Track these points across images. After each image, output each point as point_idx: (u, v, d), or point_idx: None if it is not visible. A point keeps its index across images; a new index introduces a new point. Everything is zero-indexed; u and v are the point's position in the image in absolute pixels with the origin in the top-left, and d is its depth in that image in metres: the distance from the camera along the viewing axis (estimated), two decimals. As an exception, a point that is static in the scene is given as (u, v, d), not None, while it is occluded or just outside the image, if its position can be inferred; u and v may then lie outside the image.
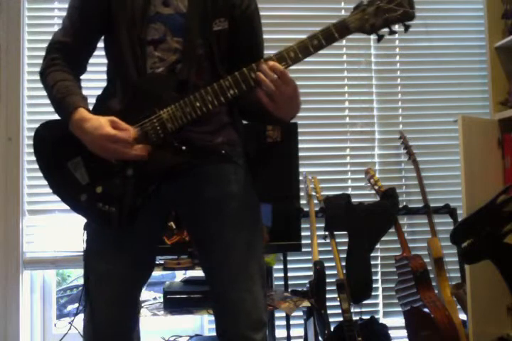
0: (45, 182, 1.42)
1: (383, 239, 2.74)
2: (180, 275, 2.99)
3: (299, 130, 2.60)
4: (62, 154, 1.38)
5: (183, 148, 1.32)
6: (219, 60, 1.42)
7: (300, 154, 2.60)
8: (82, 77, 1.49)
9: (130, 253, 1.40)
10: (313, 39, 1.24)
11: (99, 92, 1.49)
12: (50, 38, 3.02)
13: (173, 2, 1.39)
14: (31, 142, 2.99)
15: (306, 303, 2.42)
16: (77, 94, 1.36)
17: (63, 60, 1.42)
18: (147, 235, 1.43)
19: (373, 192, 2.79)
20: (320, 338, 2.48)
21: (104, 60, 1.50)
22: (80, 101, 1.34)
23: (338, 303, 2.54)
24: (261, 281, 1.43)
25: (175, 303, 2.37)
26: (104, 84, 1.50)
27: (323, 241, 2.69)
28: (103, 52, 1.50)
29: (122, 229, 1.34)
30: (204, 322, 2.84)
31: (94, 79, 1.73)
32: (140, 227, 1.36)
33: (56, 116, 1.42)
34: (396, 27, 1.26)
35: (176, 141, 1.31)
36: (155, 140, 1.30)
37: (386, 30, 1.26)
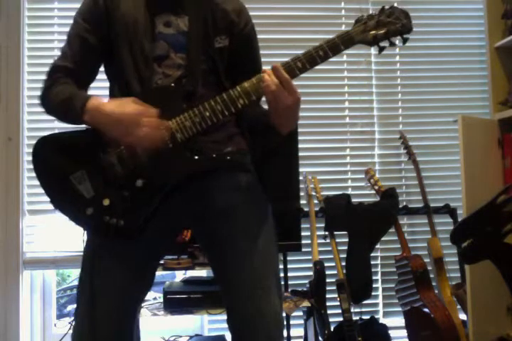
0: (41, 187, 1.40)
1: (383, 239, 2.74)
2: (180, 276, 2.99)
3: (299, 130, 2.60)
4: (63, 168, 1.36)
5: (196, 157, 1.32)
6: (223, 75, 1.44)
7: (300, 154, 2.60)
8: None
9: (133, 265, 1.38)
10: (319, 50, 1.27)
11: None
12: (50, 37, 3.04)
13: (175, 22, 1.41)
14: (31, 142, 3.01)
15: (306, 303, 2.42)
16: (84, 94, 1.37)
17: (66, 78, 1.41)
18: (153, 246, 1.40)
19: (373, 192, 2.79)
20: (320, 338, 2.48)
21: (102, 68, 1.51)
22: (89, 96, 1.34)
23: (338, 303, 2.54)
24: (278, 291, 1.39)
25: (175, 303, 2.37)
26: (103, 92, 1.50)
27: (323, 241, 2.69)
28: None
29: (128, 241, 1.32)
30: (204, 322, 2.84)
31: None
32: (147, 238, 1.34)
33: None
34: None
35: (187, 150, 1.32)
36: (164, 150, 1.30)
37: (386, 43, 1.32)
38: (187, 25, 1.41)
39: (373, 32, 1.28)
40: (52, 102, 1.39)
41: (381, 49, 1.31)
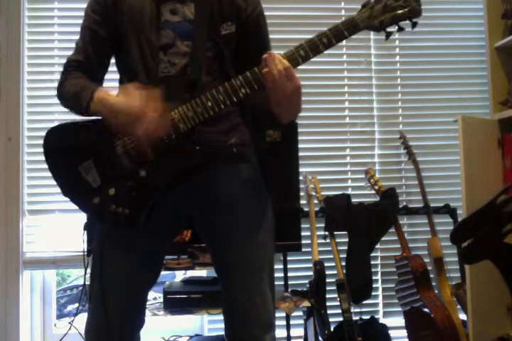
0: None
1: (383, 239, 2.75)
2: (180, 275, 2.99)
3: (299, 130, 2.60)
4: (72, 158, 1.38)
5: (197, 148, 1.33)
6: (228, 62, 1.44)
7: (300, 154, 2.59)
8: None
9: (140, 254, 1.41)
10: (322, 37, 1.25)
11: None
12: (50, 37, 3.03)
13: (181, 10, 1.41)
14: (31, 142, 3.01)
15: (306, 303, 2.42)
16: (94, 85, 1.38)
17: (78, 72, 1.44)
18: (159, 236, 1.43)
19: (373, 192, 2.79)
20: (320, 338, 2.48)
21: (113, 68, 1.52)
22: (98, 87, 1.36)
23: (338, 303, 2.54)
24: (271, 283, 1.44)
25: (175, 303, 2.37)
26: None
27: (323, 241, 2.69)
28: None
29: (135, 229, 1.35)
30: (204, 322, 2.84)
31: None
32: (152, 228, 1.36)
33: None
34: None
35: (189, 141, 1.32)
36: (167, 141, 1.31)
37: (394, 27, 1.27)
38: (193, 13, 1.41)
39: (380, 17, 1.24)
40: (65, 97, 1.42)
41: (388, 35, 1.27)
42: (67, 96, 1.41)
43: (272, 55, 1.25)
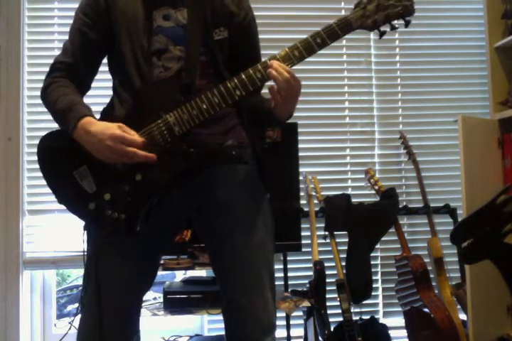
0: (46, 182, 1.41)
1: (383, 239, 2.75)
2: (180, 275, 2.99)
3: (299, 130, 2.60)
4: (67, 164, 1.37)
5: (192, 150, 1.32)
6: (223, 66, 1.44)
7: (300, 154, 2.60)
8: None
9: (138, 257, 1.40)
10: (316, 37, 1.26)
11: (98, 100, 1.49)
12: (50, 37, 3.03)
13: (173, 15, 1.41)
14: (31, 142, 3.01)
15: (306, 303, 2.42)
16: (82, 105, 1.37)
17: (65, 78, 1.43)
18: (157, 237, 1.42)
19: (373, 192, 2.79)
20: (320, 338, 2.48)
21: (105, 68, 1.51)
22: (87, 111, 1.35)
23: (338, 303, 2.54)
24: (271, 284, 1.43)
25: (175, 303, 2.37)
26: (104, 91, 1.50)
27: (323, 241, 2.69)
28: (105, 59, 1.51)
29: (131, 234, 1.34)
30: (204, 322, 2.84)
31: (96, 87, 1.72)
32: (150, 230, 1.35)
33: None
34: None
35: (184, 144, 1.31)
36: (163, 144, 1.30)
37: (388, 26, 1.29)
38: (186, 18, 1.41)
39: (373, 16, 1.26)
40: (50, 107, 1.40)
41: (382, 34, 1.28)
42: (52, 109, 1.39)
43: (274, 66, 1.25)
